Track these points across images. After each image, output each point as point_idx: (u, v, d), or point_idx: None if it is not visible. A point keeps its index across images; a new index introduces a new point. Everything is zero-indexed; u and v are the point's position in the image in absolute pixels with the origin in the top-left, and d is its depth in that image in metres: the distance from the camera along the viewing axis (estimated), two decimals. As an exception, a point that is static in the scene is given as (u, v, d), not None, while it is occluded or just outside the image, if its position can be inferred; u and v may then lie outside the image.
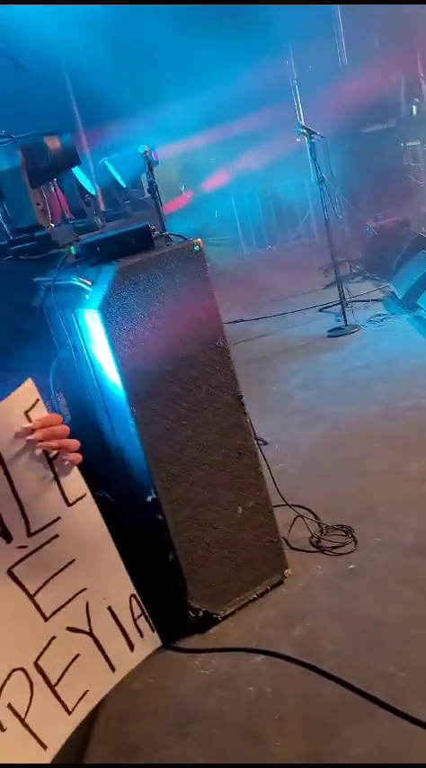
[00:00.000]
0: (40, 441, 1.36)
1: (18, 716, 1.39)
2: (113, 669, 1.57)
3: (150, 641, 1.65)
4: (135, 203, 5.57)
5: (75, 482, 1.45)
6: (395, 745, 1.79)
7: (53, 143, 2.93)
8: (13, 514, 1.37)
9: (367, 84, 8.74)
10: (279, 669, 2.17)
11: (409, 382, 4.19)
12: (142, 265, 2.10)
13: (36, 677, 1.43)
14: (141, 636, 1.63)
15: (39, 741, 1.42)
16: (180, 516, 2.31)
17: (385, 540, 2.68)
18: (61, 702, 1.48)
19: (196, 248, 2.14)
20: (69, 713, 1.49)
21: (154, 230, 2.27)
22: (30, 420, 1.35)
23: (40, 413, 1.38)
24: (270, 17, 9.26)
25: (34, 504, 1.39)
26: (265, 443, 3.74)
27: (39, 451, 1.38)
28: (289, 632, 2.33)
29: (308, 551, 2.74)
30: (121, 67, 8.21)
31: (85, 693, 1.53)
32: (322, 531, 2.83)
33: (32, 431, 1.35)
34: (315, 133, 4.95)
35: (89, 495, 1.48)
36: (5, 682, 1.37)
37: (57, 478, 1.42)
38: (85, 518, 1.48)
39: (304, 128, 5.04)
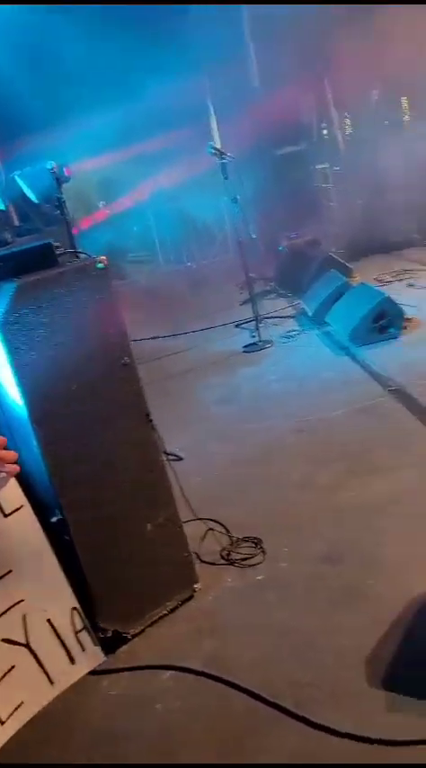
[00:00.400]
0: None
1: None
2: (52, 682, 1.54)
3: (92, 655, 1.63)
4: (49, 218, 5.51)
5: (11, 493, 1.43)
6: (301, 751, 1.83)
7: None
8: None
9: (278, 108, 9.03)
10: (189, 684, 2.18)
11: (319, 396, 4.33)
12: (43, 283, 2.08)
13: None
14: (83, 650, 1.60)
15: None
16: (87, 536, 2.28)
17: (293, 551, 2.75)
18: None
19: (99, 266, 2.14)
20: (2, 723, 1.44)
21: (58, 247, 2.25)
22: None
23: None
24: (186, 36, 9.43)
25: None
26: (180, 459, 3.76)
27: None
28: (200, 646, 2.34)
29: (219, 564, 2.77)
30: (36, 80, 8.13)
31: (20, 705, 1.48)
32: (232, 544, 2.87)
33: None
34: (225, 154, 5.08)
35: (27, 506, 1.46)
36: None
37: None
38: (23, 529, 1.46)
39: (214, 148, 5.16)
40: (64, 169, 4.95)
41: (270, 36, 9.58)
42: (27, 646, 1.48)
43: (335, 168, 9.76)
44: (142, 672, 2.27)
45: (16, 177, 5.23)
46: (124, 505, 2.38)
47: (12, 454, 1.42)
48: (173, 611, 2.53)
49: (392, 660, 2.04)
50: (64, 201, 4.25)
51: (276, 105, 8.92)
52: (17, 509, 1.43)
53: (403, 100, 10.85)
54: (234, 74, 9.73)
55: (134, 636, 2.42)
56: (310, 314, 5.97)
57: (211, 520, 3.04)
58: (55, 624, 1.53)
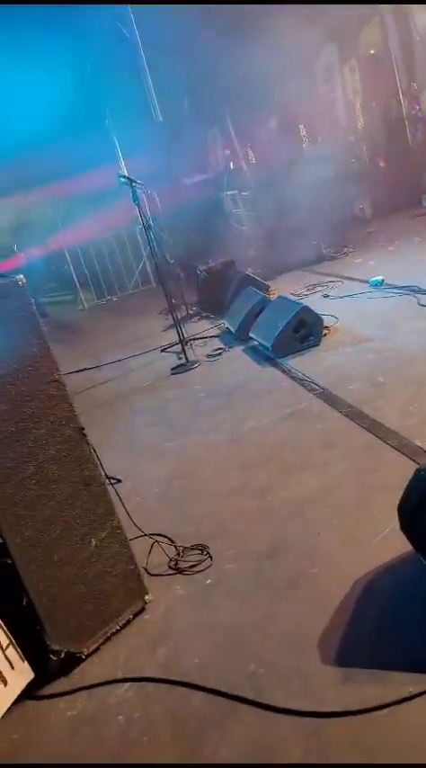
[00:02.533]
0: None
1: None
2: None
3: (22, 673, 1.57)
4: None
5: None
6: (261, 735, 1.87)
7: None
8: None
9: (181, 139, 9.32)
10: (147, 693, 2.18)
11: (248, 407, 4.44)
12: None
13: None
14: (12, 668, 1.54)
15: None
16: (30, 557, 2.25)
17: (237, 552, 2.80)
18: None
19: (19, 283, 2.16)
20: None
21: (-26, 273, 2.25)
22: None
23: None
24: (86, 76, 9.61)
25: None
26: (118, 481, 3.76)
27: None
28: (154, 656, 2.34)
29: (168, 575, 2.79)
30: None
31: None
32: (179, 554, 2.89)
33: None
34: (136, 181, 5.20)
35: None
36: None
37: None
38: None
39: (123, 176, 5.27)
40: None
41: (166, 68, 9.91)
42: None
43: (243, 194, 10.12)
44: (99, 688, 2.25)
45: None
46: (65, 523, 2.37)
47: None
48: (125, 625, 2.52)
49: (340, 639, 2.12)
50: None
51: (178, 137, 9.24)
52: None
53: (301, 127, 11.45)
54: (136, 108, 9.98)
55: (88, 655, 2.40)
56: (233, 331, 6.13)
57: (156, 534, 3.06)
58: None
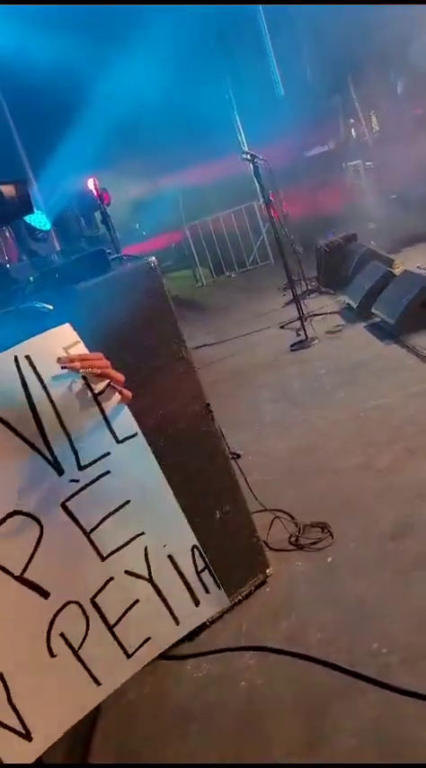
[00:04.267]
0: (81, 368, 1.39)
1: (71, 646, 1.41)
2: (177, 622, 1.54)
3: (217, 599, 1.61)
4: (89, 239, 5.71)
5: (124, 420, 1.46)
6: (385, 715, 1.86)
7: (8, 191, 3.02)
8: (63, 446, 1.39)
9: (304, 111, 9.12)
10: (270, 662, 2.24)
11: (371, 385, 4.34)
12: (101, 286, 2.20)
13: (93, 614, 1.45)
14: (207, 591, 1.58)
15: (92, 676, 1.44)
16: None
17: (359, 532, 2.77)
18: (119, 644, 1.48)
19: (151, 265, 2.25)
20: (129, 656, 1.48)
21: (109, 253, 2.37)
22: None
23: (80, 351, 1.42)
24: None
25: (82, 436, 1.41)
26: (238, 456, 3.82)
27: (81, 382, 1.41)
28: (277, 627, 2.39)
29: (288, 550, 2.82)
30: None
31: (147, 640, 1.51)
32: (299, 531, 2.91)
33: (72, 361, 1.38)
34: (258, 157, 5.18)
35: (140, 435, 1.48)
36: (59, 611, 1.40)
37: (104, 413, 1.44)
38: (137, 457, 1.48)
39: (246, 152, 5.26)
40: (103, 193, 5.13)
41: (289, 43, 9.72)
42: (150, 580, 1.49)
43: (367, 164, 9.77)
44: (223, 654, 2.35)
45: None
46: (192, 494, 2.45)
47: (120, 375, 1.45)
48: (247, 596, 2.59)
49: None
50: (109, 217, 4.41)
51: (301, 110, 9.04)
52: (130, 436, 1.47)
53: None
54: (258, 84, 9.88)
55: (213, 622, 2.49)
56: (355, 307, 5.98)
57: (277, 509, 3.10)
58: (176, 561, 1.52)
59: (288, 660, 2.21)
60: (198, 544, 1.60)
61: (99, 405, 1.45)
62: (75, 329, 1.49)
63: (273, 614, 2.46)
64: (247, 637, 2.40)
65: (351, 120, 10.29)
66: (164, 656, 2.36)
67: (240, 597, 2.58)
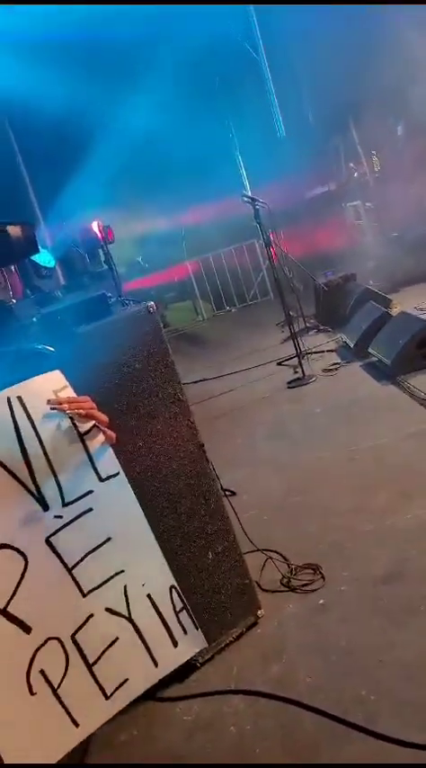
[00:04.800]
0: (68, 409, 1.49)
1: (50, 684, 1.42)
2: (156, 663, 1.56)
3: (195, 640, 1.63)
4: (92, 275, 5.82)
5: (107, 459, 1.53)
6: (375, 761, 1.86)
7: (15, 232, 3.11)
8: (49, 483, 1.46)
9: (305, 152, 9.33)
10: (259, 707, 2.24)
11: (366, 424, 4.38)
12: (101, 330, 2.27)
13: (72, 651, 1.47)
14: (184, 632, 1.61)
15: (70, 716, 1.44)
16: (152, 565, 2.39)
17: (352, 574, 2.79)
18: (98, 684, 1.50)
19: (150, 310, 2.32)
20: (107, 697, 1.49)
21: (110, 297, 2.44)
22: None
23: (69, 394, 1.52)
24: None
25: (67, 474, 1.48)
26: (233, 494, 3.86)
27: (68, 423, 1.49)
28: (267, 670, 2.40)
29: (280, 591, 2.83)
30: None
31: (125, 682, 1.53)
32: (291, 572, 2.93)
33: (60, 402, 1.49)
34: (258, 200, 5.32)
35: (122, 474, 1.54)
36: (40, 648, 1.42)
37: (88, 453, 1.52)
38: (118, 496, 1.54)
39: (246, 196, 5.41)
40: (107, 230, 5.25)
41: (290, 84, 9.97)
42: (129, 618, 1.51)
43: (367, 204, 9.95)
44: (213, 697, 2.35)
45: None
46: (185, 535, 2.49)
47: (104, 417, 1.54)
48: (238, 637, 2.60)
49: (459, 673, 2.06)
50: (111, 257, 4.51)
51: (302, 151, 9.26)
52: (113, 475, 1.52)
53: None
54: (260, 125, 10.12)
55: (203, 663, 2.50)
56: (352, 346, 6.06)
57: (269, 550, 3.11)
58: (155, 600, 1.55)
59: (278, 705, 2.21)
60: (176, 584, 1.64)
61: (84, 444, 1.52)
62: (72, 373, 1.57)
63: (264, 657, 2.47)
64: (237, 679, 2.40)
65: (351, 164, 10.51)
66: (155, 697, 2.38)
67: (231, 638, 2.58)
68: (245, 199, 5.39)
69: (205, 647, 2.45)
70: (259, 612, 2.67)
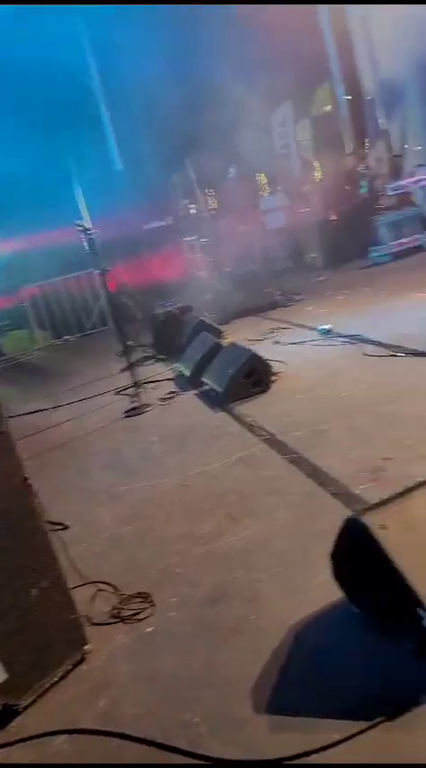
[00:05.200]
0: None
1: None
2: None
3: None
4: None
5: None
6: (193, 785, 1.90)
7: None
8: None
9: (142, 187, 9.58)
10: (83, 744, 2.19)
11: (198, 451, 4.53)
12: None
13: None
14: None
15: None
16: (-31, 608, 2.27)
17: (180, 600, 2.84)
18: None
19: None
20: None
21: None
22: None
23: None
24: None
25: None
26: (65, 527, 3.77)
27: None
28: (93, 706, 2.35)
29: (109, 623, 2.81)
30: None
31: None
32: (121, 602, 2.92)
33: None
34: (90, 229, 5.35)
35: None
36: None
37: None
38: None
39: (79, 225, 5.42)
40: None
41: (127, 121, 10.24)
42: None
43: (202, 240, 10.40)
44: (34, 741, 2.25)
45: None
46: (6, 572, 2.39)
47: None
48: (64, 676, 2.52)
49: (274, 686, 2.18)
50: None
51: (139, 185, 9.50)
52: None
53: (259, 176, 11.90)
54: (97, 159, 10.24)
55: (26, 707, 2.39)
56: (187, 375, 6.24)
57: (100, 582, 3.08)
58: None
59: (103, 739, 2.18)
60: None
61: None
62: None
63: (89, 693, 2.42)
64: (62, 720, 2.33)
65: (187, 200, 10.96)
66: (-30, 750, 2.23)
67: (56, 678, 2.50)
68: (79, 228, 5.40)
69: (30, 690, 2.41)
70: (86, 647, 2.61)
